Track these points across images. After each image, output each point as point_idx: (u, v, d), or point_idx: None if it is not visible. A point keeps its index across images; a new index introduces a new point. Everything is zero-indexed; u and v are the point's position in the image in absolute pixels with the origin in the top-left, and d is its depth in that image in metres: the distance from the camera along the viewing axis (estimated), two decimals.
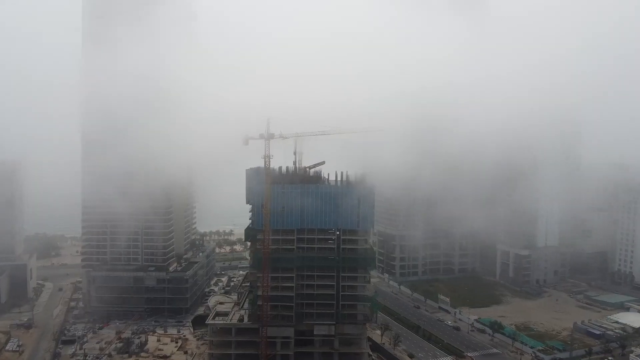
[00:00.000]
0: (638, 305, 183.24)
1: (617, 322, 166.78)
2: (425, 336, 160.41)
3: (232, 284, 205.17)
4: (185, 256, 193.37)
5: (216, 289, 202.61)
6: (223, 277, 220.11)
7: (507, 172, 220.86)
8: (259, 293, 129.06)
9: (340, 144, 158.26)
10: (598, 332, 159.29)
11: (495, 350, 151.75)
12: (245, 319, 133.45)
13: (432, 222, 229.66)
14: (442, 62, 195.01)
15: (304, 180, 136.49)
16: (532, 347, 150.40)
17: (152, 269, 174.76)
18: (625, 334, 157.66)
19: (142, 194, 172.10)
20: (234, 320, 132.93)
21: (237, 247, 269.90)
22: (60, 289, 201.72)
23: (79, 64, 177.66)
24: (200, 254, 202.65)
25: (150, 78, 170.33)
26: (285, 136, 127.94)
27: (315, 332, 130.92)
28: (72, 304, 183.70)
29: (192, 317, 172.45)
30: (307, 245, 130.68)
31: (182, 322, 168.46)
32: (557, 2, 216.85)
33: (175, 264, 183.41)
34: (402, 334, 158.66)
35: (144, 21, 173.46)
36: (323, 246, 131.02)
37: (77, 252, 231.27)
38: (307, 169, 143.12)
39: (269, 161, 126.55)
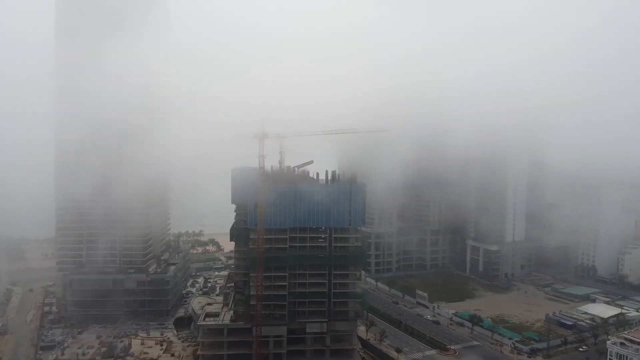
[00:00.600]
0: (603, 296, 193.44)
1: (586, 312, 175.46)
2: (408, 331, 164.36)
3: (209, 285, 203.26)
4: (162, 257, 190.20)
5: (193, 290, 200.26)
6: (199, 278, 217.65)
7: (479, 171, 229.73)
8: (252, 293, 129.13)
9: (325, 144, 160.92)
10: (570, 323, 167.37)
11: (476, 343, 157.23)
12: (229, 319, 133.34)
13: (405, 220, 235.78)
14: (421, 63, 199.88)
15: (293, 179, 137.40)
16: (510, 339, 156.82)
17: (132, 271, 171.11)
18: (595, 324, 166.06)
19: (119, 195, 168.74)
20: (226, 321, 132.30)
21: (210, 248, 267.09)
22: (31, 290, 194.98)
23: (53, 62, 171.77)
24: (178, 254, 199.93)
25: (128, 77, 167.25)
26: (283, 135, 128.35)
27: (307, 330, 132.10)
28: (46, 308, 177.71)
29: (173, 319, 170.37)
30: (300, 244, 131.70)
31: (164, 324, 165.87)
32: (534, 10, 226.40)
33: (154, 266, 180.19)
34: (385, 329, 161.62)
35: (121, 19, 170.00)
36: (315, 245, 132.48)
37: (44, 255, 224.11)
38: (295, 168, 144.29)
39: (264, 160, 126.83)
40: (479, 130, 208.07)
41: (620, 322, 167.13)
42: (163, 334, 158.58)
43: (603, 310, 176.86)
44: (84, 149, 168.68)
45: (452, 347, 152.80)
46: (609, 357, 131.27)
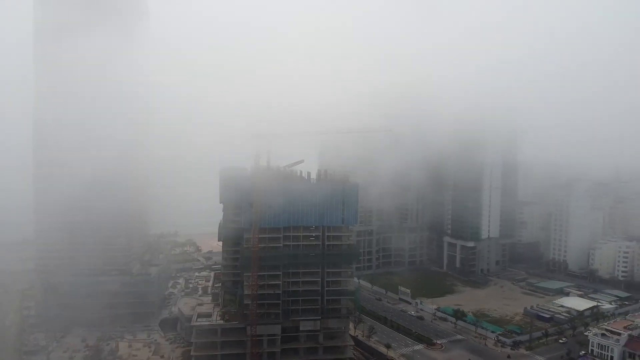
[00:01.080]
0: (576, 290, 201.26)
1: (562, 306, 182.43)
2: (394, 327, 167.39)
3: (190, 286, 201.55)
4: (144, 258, 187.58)
5: (175, 291, 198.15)
6: (179, 279, 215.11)
7: (454, 169, 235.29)
8: (247, 292, 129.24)
9: (305, 144, 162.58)
10: (547, 316, 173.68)
11: (460, 337, 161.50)
12: (221, 319, 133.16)
13: (384, 218, 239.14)
14: (400, 64, 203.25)
15: (286, 178, 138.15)
16: (492, 332, 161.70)
17: (116, 272, 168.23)
18: (571, 316, 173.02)
19: (100, 196, 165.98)
20: (219, 321, 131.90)
21: (187, 249, 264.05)
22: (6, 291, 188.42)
23: (31, 58, 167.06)
24: (159, 255, 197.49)
25: (110, 75, 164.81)
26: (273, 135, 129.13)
27: (301, 328, 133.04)
28: (25, 312, 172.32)
29: (158, 321, 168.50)
30: (293, 243, 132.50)
31: (149, 326, 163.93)
32: (508, 16, 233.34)
33: (137, 267, 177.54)
34: (372, 325, 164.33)
35: (103, 14, 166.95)
36: (308, 243, 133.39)
37: (18, 258, 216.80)
38: (285, 168, 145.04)
39: (267, 160, 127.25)
40: (457, 129, 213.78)
41: (596, 315, 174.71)
42: (150, 336, 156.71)
43: (578, 303, 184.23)
44: (63, 148, 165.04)
45: (438, 342, 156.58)
46: (590, 347, 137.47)
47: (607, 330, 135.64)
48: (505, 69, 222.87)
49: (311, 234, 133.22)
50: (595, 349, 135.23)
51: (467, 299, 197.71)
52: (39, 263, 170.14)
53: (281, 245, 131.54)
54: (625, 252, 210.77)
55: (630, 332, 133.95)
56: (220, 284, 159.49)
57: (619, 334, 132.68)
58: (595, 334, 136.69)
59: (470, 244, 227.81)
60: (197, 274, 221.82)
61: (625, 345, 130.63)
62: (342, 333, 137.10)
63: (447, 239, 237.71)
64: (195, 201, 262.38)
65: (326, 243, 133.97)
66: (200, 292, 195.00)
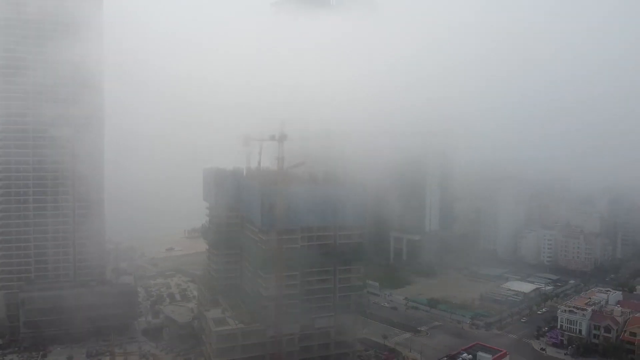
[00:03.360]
0: (513, 275, 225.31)
1: (510, 289, 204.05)
2: (374, 319, 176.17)
3: (154, 294, 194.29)
4: (114, 267, 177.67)
5: (139, 299, 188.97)
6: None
7: (400, 168, 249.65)
8: (265, 294, 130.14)
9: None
10: (502, 299, 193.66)
11: (437, 323, 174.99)
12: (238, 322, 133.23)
13: None
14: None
15: (293, 180, 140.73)
16: (463, 316, 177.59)
17: (94, 282, 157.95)
18: (521, 298, 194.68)
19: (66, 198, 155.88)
20: (240, 325, 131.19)
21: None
22: None
23: None
24: (122, 264, 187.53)
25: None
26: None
27: (316, 325, 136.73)
28: None
29: (140, 331, 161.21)
30: (308, 243, 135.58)
31: (134, 337, 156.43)
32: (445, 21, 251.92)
33: (113, 275, 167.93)
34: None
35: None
36: (323, 242, 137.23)
37: None
38: (288, 169, 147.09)
39: (282, 162, 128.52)
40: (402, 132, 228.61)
41: (541, 296, 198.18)
42: (141, 348, 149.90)
43: (521, 286, 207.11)
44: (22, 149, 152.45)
45: (420, 329, 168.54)
46: (560, 323, 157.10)
47: (574, 307, 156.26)
48: (447, 77, 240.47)
49: (325, 233, 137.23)
50: (565, 324, 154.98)
51: (425, 288, 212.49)
52: (2, 278, 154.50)
53: (299, 245, 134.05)
54: (549, 240, 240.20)
55: (592, 307, 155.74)
56: (204, 288, 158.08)
57: (585, 310, 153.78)
58: (564, 311, 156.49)
59: (416, 237, 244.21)
60: (152, 281, 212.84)
61: (590, 319, 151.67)
62: (352, 327, 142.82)
63: (394, 233, 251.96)
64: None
65: (337, 242, 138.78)
66: (167, 300, 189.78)
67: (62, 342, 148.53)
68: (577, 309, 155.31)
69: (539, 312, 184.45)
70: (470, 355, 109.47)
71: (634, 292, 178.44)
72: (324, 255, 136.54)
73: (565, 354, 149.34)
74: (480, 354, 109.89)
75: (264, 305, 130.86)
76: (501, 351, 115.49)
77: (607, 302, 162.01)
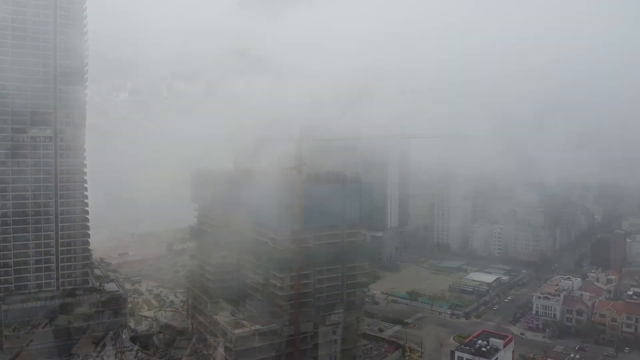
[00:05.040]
0: (470, 267, 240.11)
1: (474, 280, 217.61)
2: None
3: (136, 300, 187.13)
4: (95, 274, 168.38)
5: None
6: None
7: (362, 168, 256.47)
8: (280, 293, 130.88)
9: None
10: (470, 290, 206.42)
11: (420, 315, 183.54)
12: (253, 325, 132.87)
13: None
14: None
15: (315, 180, 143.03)
16: (441, 307, 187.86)
17: (81, 292, 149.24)
18: (486, 288, 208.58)
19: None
20: (257, 326, 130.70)
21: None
22: None
23: None
24: (96, 270, 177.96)
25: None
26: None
27: (327, 322, 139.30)
28: None
29: (125, 339, 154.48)
30: (319, 242, 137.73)
31: (126, 346, 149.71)
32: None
33: (97, 283, 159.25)
34: None
35: None
36: (333, 241, 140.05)
37: None
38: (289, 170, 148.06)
39: (301, 164, 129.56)
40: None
41: (502, 285, 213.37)
42: (137, 356, 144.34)
43: (484, 277, 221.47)
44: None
45: (407, 321, 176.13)
46: (535, 308, 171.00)
47: (548, 293, 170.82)
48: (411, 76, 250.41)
49: (335, 232, 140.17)
50: (540, 310, 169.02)
51: (395, 282, 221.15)
52: None
53: (312, 244, 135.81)
54: (499, 233, 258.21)
55: (563, 293, 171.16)
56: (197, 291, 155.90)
57: (558, 296, 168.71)
58: (539, 297, 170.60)
59: (379, 233, 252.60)
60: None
61: (563, 304, 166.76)
62: (357, 322, 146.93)
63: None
64: None
65: (346, 240, 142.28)
66: (145, 307, 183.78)
67: (49, 355, 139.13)
68: (551, 295, 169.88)
69: (506, 300, 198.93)
70: (485, 342, 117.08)
71: (586, 279, 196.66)
72: (333, 254, 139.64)
73: (543, 337, 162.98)
74: (492, 339, 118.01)
75: (280, 305, 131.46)
76: (507, 336, 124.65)
77: (572, 288, 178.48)
